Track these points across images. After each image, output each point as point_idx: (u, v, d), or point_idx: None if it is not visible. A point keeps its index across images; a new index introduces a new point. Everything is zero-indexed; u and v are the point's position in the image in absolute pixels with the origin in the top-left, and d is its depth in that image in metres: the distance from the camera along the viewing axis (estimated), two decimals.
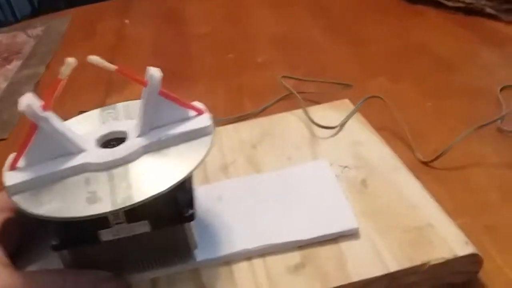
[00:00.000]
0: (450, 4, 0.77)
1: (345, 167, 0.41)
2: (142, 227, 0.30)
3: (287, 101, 0.58)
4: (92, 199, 0.28)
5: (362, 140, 0.44)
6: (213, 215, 0.37)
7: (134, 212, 0.29)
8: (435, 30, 0.74)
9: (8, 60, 0.84)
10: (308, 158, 0.43)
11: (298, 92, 0.54)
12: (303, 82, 0.60)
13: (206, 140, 0.31)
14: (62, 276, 0.30)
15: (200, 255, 0.33)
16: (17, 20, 2.24)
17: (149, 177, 0.29)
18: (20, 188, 0.29)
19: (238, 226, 0.35)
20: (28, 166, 0.30)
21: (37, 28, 0.99)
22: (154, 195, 0.27)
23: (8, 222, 0.32)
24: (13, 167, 0.30)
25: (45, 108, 0.29)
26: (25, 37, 0.95)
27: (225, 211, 0.37)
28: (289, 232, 0.34)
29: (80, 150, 0.31)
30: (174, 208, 0.31)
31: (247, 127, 0.49)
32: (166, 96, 0.31)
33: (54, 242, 0.30)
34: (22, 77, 0.76)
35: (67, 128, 0.31)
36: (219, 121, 0.52)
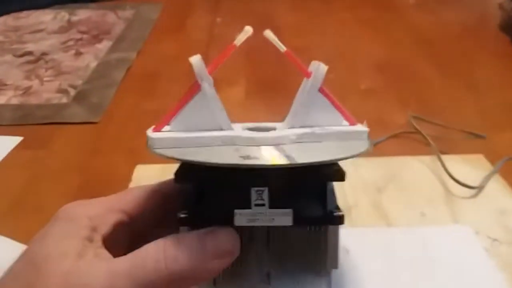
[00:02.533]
0: None
1: (495, 240, 0.35)
2: (283, 217, 0.26)
3: (400, 139, 0.53)
4: (246, 158, 0.24)
5: (510, 209, 0.38)
6: (343, 270, 0.32)
7: (279, 195, 0.25)
8: None
9: (98, 39, 0.82)
10: (447, 220, 0.38)
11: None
12: (420, 122, 0.54)
13: (362, 143, 0.27)
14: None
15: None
16: None
17: (306, 152, 0.25)
18: (164, 144, 0.25)
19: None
20: (175, 130, 0.27)
21: (126, 11, 0.97)
22: (318, 161, 0.24)
23: (118, 224, 0.28)
24: (159, 129, 0.27)
25: (210, 71, 0.26)
26: (115, 17, 0.94)
27: (356, 267, 0.32)
28: None
29: (229, 127, 0.27)
30: (322, 204, 0.26)
31: (367, 165, 0.44)
32: (325, 95, 0.27)
33: (181, 215, 0.26)
34: (112, 60, 0.74)
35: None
36: None
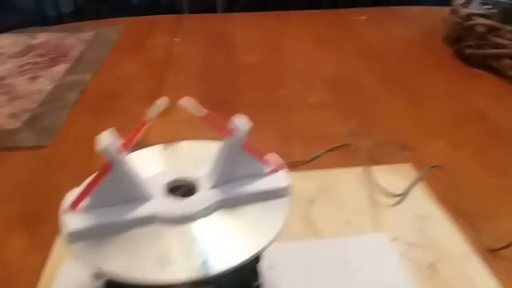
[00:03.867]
0: (510, 73, 0.75)
1: (411, 244, 0.38)
2: None
3: (338, 152, 0.56)
4: (164, 260, 0.25)
5: (428, 215, 0.41)
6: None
7: None
8: (494, 98, 0.71)
9: (55, 61, 0.84)
10: (369, 227, 0.40)
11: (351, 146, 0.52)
12: (358, 135, 0.58)
13: (283, 204, 0.29)
14: None
15: None
16: (59, 16, 2.27)
17: (225, 242, 0.27)
18: (81, 236, 0.26)
19: None
20: (91, 209, 0.28)
21: (86, 33, 0.99)
22: (233, 267, 0.25)
23: None
24: (74, 208, 0.28)
25: (123, 149, 0.27)
26: (73, 40, 0.95)
27: (279, 283, 0.34)
28: None
29: (148, 197, 0.29)
30: (241, 277, 0.28)
31: (301, 178, 0.47)
32: (248, 149, 0.29)
33: None
34: (67, 82, 0.75)
35: (138, 172, 0.29)
36: None
